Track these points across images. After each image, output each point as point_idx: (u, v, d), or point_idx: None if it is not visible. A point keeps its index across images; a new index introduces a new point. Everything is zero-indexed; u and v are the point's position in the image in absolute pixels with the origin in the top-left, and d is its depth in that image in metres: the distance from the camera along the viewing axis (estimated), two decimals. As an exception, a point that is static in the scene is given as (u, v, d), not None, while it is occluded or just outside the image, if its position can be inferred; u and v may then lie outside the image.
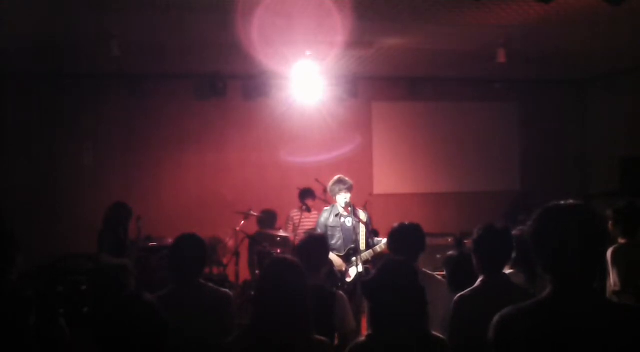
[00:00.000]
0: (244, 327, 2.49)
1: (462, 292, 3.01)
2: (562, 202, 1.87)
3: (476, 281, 3.97)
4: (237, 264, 7.34)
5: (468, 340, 2.77)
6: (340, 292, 3.60)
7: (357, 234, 5.74)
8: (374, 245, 5.73)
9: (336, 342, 3.33)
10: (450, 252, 4.08)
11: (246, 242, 7.49)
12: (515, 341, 1.79)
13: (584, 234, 1.80)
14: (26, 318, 2.58)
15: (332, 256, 5.66)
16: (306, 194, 7.28)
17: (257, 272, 6.94)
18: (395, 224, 3.82)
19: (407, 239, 3.69)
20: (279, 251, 6.83)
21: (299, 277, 2.47)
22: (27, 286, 2.77)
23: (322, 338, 2.45)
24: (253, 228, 7.75)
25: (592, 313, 1.76)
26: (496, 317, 1.86)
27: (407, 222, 3.84)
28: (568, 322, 1.75)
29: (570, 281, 1.79)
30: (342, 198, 5.83)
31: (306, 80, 7.56)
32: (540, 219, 1.86)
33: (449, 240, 7.47)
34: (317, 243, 3.66)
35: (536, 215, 1.87)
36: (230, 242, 7.60)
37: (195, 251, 3.20)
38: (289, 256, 2.65)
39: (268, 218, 8.01)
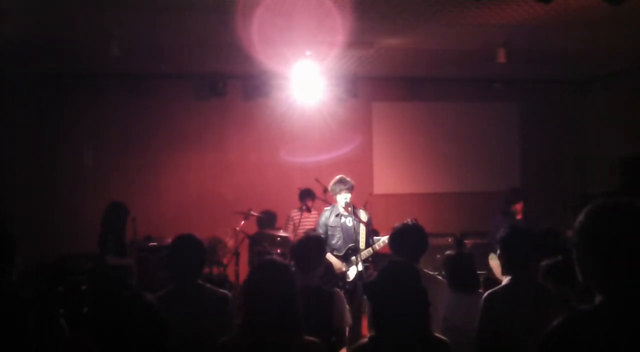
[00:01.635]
0: (236, 330, 2.48)
1: (492, 290, 3.05)
2: (614, 200, 1.72)
3: (476, 280, 3.98)
4: (237, 264, 7.34)
5: (497, 335, 2.82)
6: (337, 290, 3.60)
7: (357, 233, 5.74)
8: (374, 244, 5.74)
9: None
10: (448, 252, 4.09)
11: (246, 242, 7.50)
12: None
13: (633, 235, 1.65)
14: (26, 319, 2.58)
15: (332, 259, 5.68)
16: (306, 194, 7.29)
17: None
18: (398, 224, 3.82)
19: (409, 239, 3.69)
20: (278, 251, 6.84)
21: (287, 279, 2.44)
22: (27, 286, 2.77)
23: (313, 339, 2.43)
24: (253, 228, 7.76)
25: None
26: (552, 325, 1.72)
27: (409, 222, 3.84)
28: (623, 330, 1.65)
29: (624, 286, 1.66)
30: (343, 198, 5.83)
31: (306, 80, 7.55)
32: (592, 219, 1.71)
33: (449, 240, 7.48)
34: (314, 243, 3.65)
35: (586, 214, 1.72)
36: (230, 242, 7.60)
37: (193, 252, 3.19)
38: (277, 257, 2.63)
39: (268, 218, 8.01)
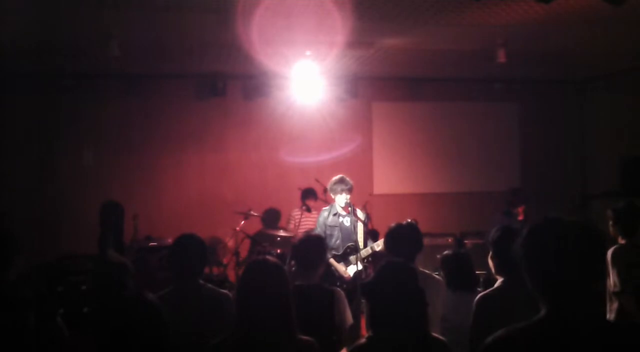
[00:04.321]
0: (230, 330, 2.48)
1: (484, 292, 3.03)
2: (551, 218, 1.76)
3: (474, 279, 3.98)
4: (237, 264, 7.34)
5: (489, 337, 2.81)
6: (338, 288, 3.61)
7: (355, 233, 5.75)
8: (373, 244, 5.74)
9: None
10: (446, 252, 4.09)
11: (246, 242, 7.50)
12: None
13: (578, 250, 1.68)
14: (25, 319, 2.58)
15: (336, 265, 5.69)
16: (308, 194, 7.30)
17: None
18: (392, 224, 3.83)
19: (404, 239, 3.69)
20: (279, 251, 6.84)
21: (278, 278, 2.44)
22: (25, 286, 2.77)
23: (307, 338, 2.44)
24: (253, 228, 7.76)
25: (589, 335, 1.65)
26: (489, 339, 1.75)
27: (404, 222, 3.85)
28: (563, 345, 1.65)
29: (565, 300, 1.68)
30: (343, 198, 5.83)
31: (306, 80, 7.56)
32: (529, 236, 1.76)
33: (449, 240, 7.48)
34: (314, 243, 3.66)
35: (525, 233, 1.78)
36: (230, 242, 7.60)
37: (195, 251, 3.21)
38: (269, 257, 2.63)
39: (271, 217, 8.04)
